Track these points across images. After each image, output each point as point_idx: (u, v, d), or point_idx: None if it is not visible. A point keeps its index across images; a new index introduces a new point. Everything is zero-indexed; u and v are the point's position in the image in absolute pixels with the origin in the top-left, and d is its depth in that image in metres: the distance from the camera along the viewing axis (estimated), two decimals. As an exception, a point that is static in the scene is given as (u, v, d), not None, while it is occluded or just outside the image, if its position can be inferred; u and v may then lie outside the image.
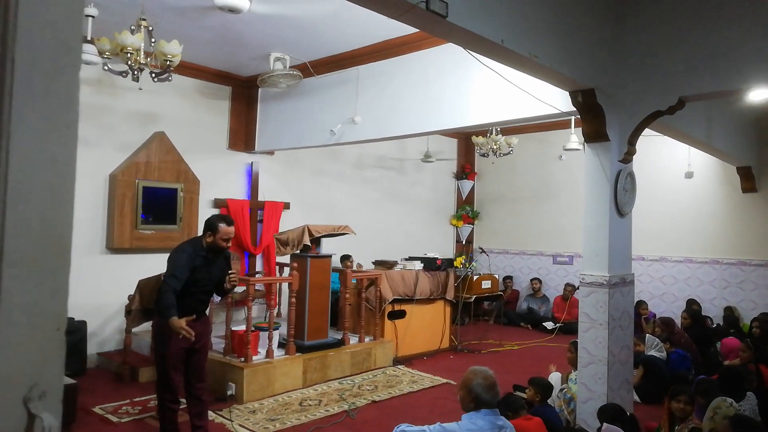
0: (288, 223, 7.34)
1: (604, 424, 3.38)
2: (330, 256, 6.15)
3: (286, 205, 7.92)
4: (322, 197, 8.48)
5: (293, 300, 5.69)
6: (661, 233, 8.58)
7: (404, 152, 9.74)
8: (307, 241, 5.77)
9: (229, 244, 3.98)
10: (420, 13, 2.87)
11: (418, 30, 3.38)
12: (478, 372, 2.82)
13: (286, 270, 6.43)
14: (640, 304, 7.98)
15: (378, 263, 7.16)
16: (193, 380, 4.01)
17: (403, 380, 5.95)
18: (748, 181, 7.89)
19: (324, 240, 6.20)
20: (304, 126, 6.94)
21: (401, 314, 6.85)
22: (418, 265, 7.16)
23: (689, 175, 8.16)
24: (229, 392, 5.09)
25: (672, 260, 8.63)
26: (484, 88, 5.37)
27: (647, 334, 5.95)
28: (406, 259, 7.39)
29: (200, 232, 4.13)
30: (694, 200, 8.44)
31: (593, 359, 4.38)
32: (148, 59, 4.55)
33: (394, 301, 6.76)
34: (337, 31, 5.66)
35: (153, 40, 4.57)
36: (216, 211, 6.95)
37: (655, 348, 5.61)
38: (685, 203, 8.49)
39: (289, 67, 6.27)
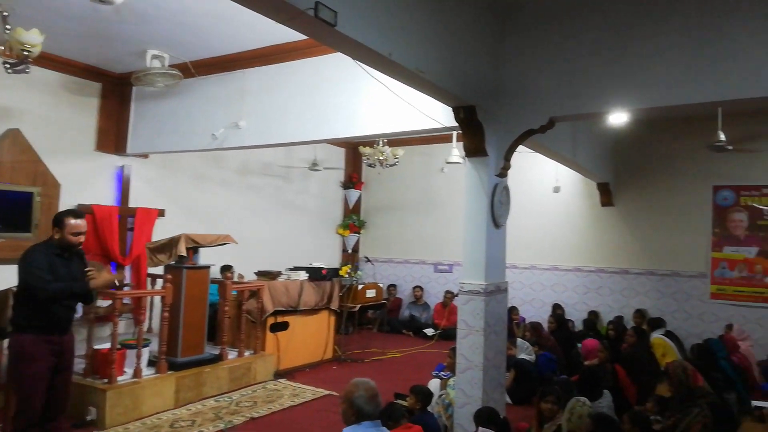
0: (163, 231, 6.86)
1: (480, 428, 3.50)
2: (208, 267, 5.85)
3: (161, 213, 7.42)
4: (202, 204, 8.06)
5: (166, 314, 5.33)
6: (531, 243, 9.20)
7: (291, 160, 9.58)
8: (183, 251, 5.43)
9: (81, 240, 3.72)
10: (308, 20, 2.81)
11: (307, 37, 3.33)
12: (360, 384, 2.79)
13: (159, 282, 6.01)
14: (513, 310, 8.49)
15: (261, 274, 6.94)
16: (53, 410, 3.61)
17: (284, 394, 5.79)
18: (606, 196, 8.71)
19: (203, 250, 5.88)
20: (183, 129, 6.56)
21: (284, 326, 6.68)
22: (303, 276, 7.05)
23: (557, 189, 8.84)
24: (89, 417, 4.63)
25: (540, 268, 9.28)
26: (373, 99, 5.42)
27: (518, 338, 6.31)
28: (290, 270, 7.23)
29: (57, 239, 3.78)
30: (560, 213, 9.15)
31: (470, 365, 4.55)
32: (1, 48, 4.07)
33: (277, 313, 6.58)
34: (222, 32, 5.43)
35: (8, 26, 4.07)
36: (80, 217, 6.32)
37: (525, 351, 5.96)
38: (552, 215, 9.18)
39: (168, 66, 5.90)
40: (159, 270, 6.08)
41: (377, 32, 3.28)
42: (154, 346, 5.48)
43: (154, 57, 5.87)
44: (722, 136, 6.05)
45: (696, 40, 3.95)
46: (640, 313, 8.14)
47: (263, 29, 5.07)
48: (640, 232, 8.54)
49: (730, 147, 6.13)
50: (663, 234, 8.34)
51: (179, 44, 5.68)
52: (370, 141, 8.12)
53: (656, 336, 7.23)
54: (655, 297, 8.34)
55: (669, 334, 7.46)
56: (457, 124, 4.67)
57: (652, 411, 4.44)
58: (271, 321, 6.54)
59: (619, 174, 8.72)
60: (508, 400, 5.55)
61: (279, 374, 6.41)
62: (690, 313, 8.08)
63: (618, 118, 4.48)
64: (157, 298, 5.86)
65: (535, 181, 9.15)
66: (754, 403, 5.60)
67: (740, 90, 3.84)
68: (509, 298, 8.77)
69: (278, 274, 6.93)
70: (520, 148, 4.98)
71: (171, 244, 5.52)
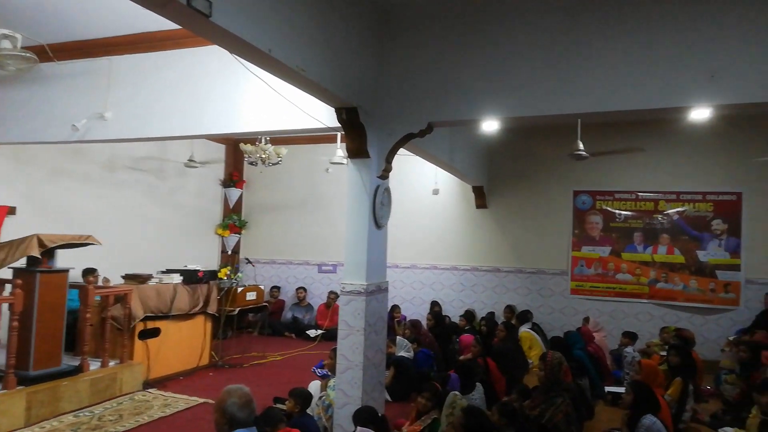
0: (13, 231, 6.15)
1: (358, 427, 3.52)
2: (67, 271, 5.33)
3: (11, 210, 6.64)
4: (61, 202, 7.33)
5: (15, 323, 4.78)
6: (412, 243, 9.48)
7: (165, 155, 9.02)
8: (35, 252, 4.89)
9: None
10: (181, 9, 2.65)
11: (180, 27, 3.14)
12: (232, 391, 2.68)
13: (8, 287, 5.36)
14: (394, 309, 8.70)
15: (129, 277, 6.45)
16: None
17: (153, 405, 5.43)
18: (481, 198, 9.21)
19: (63, 252, 5.35)
20: (38, 118, 5.93)
21: (155, 332, 6.27)
22: (177, 278, 6.66)
23: (436, 192, 9.19)
24: None
25: (420, 267, 9.59)
26: (254, 96, 5.26)
27: (398, 336, 6.46)
28: (163, 272, 6.81)
29: None
30: (439, 214, 9.52)
31: (351, 365, 4.57)
32: None
33: (147, 319, 6.16)
34: (86, 15, 4.98)
35: None
36: None
37: (404, 349, 6.11)
38: (432, 216, 9.53)
39: (21, 48, 5.28)
40: (8, 274, 5.43)
41: (256, 27, 3.18)
42: (2, 359, 4.89)
43: (5, 37, 5.23)
44: (581, 146, 6.63)
45: (560, 56, 4.29)
46: (510, 309, 8.70)
47: (132, 15, 4.72)
48: (510, 233, 9.12)
49: (587, 156, 6.72)
50: (530, 234, 8.99)
51: (35, 24, 5.14)
52: (252, 138, 7.89)
53: (524, 330, 7.75)
54: (524, 293, 8.96)
55: (535, 328, 8.05)
56: (339, 125, 4.67)
57: (515, 401, 4.74)
58: (140, 327, 6.10)
59: (493, 178, 9.26)
60: (388, 397, 5.65)
61: (149, 384, 6.01)
62: (553, 307, 8.78)
63: (490, 125, 4.75)
64: (6, 306, 5.22)
65: (415, 183, 9.43)
66: (607, 388, 6.22)
67: (597, 104, 4.23)
68: (391, 296, 9.04)
69: (149, 277, 6.49)
70: (402, 150, 5.10)
71: (20, 245, 4.95)
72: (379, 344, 4.88)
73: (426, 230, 9.53)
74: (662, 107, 4.09)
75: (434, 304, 9.07)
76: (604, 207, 8.63)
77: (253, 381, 6.32)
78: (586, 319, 7.83)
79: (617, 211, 8.56)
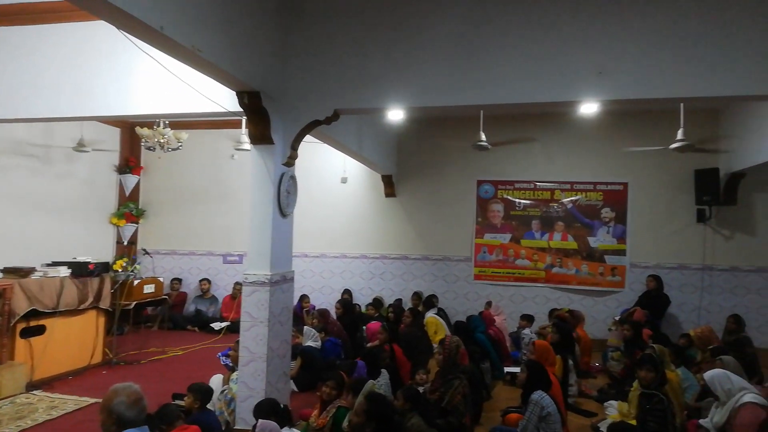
0: None
1: (259, 420, 3.45)
2: (-68, 264, 4.78)
3: None
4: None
5: None
6: (321, 232, 9.41)
7: (51, 138, 8.29)
8: None
9: None
10: (56, -25, 2.42)
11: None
12: (120, 390, 2.52)
13: None
14: (303, 298, 8.61)
15: (8, 271, 5.89)
16: None
17: (38, 408, 5.02)
18: (390, 187, 9.30)
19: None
20: None
21: (39, 330, 5.79)
22: (65, 271, 6.17)
23: (344, 180, 9.16)
24: None
25: (330, 256, 9.55)
26: (149, 76, 4.96)
27: (305, 326, 6.40)
28: (48, 265, 6.27)
29: None
30: (348, 203, 9.51)
31: (254, 357, 4.47)
32: None
33: (30, 315, 5.66)
34: (-52, -23, 4.45)
35: None
36: None
37: (311, 338, 6.06)
38: (341, 205, 9.50)
39: None
40: None
41: (146, 1, 2.97)
42: None
43: None
44: (483, 137, 6.86)
45: (463, 49, 4.39)
46: (417, 295, 8.89)
47: (6, -19, 4.28)
48: (418, 221, 9.30)
49: (489, 146, 6.97)
50: (437, 222, 9.21)
51: None
52: (149, 122, 7.45)
53: (430, 315, 7.95)
54: (430, 280, 9.18)
55: (441, 313, 8.28)
56: (241, 110, 4.52)
57: (422, 381, 4.87)
58: (22, 325, 5.61)
59: (402, 167, 9.37)
60: (295, 388, 5.59)
61: (33, 386, 5.55)
62: (458, 293, 9.07)
63: (396, 114, 4.78)
64: None
65: (324, 171, 9.35)
66: (507, 369, 6.53)
67: (497, 96, 4.38)
68: (300, 286, 8.98)
69: (31, 270, 5.96)
70: (309, 138, 5.03)
71: None
72: (284, 335, 4.81)
73: (335, 219, 9.50)
74: (556, 101, 4.32)
75: (344, 292, 9.07)
76: (505, 196, 9.01)
77: (151, 378, 6.02)
78: (488, 304, 8.17)
79: (517, 200, 8.97)
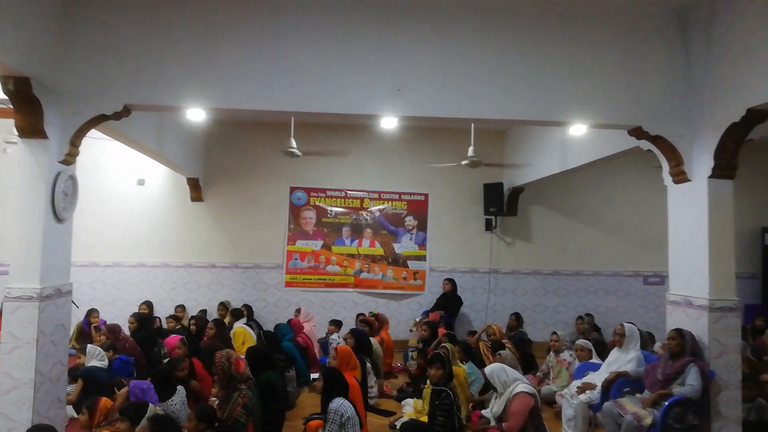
0: None
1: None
2: None
3: None
4: None
5: None
6: (116, 239, 8.55)
7: None
8: None
9: None
10: None
11: None
12: None
13: None
14: (91, 313, 7.69)
15: None
16: None
17: None
18: (196, 191, 8.79)
19: None
20: None
21: None
22: None
23: (141, 182, 8.47)
24: None
25: (126, 265, 8.70)
26: None
27: (89, 345, 5.72)
28: None
29: None
30: (147, 207, 8.77)
31: (17, 383, 3.86)
32: None
33: None
34: None
35: None
36: None
37: (96, 358, 5.43)
38: (139, 209, 8.73)
39: None
40: None
41: None
42: None
43: None
44: (294, 144, 6.84)
45: (268, 54, 4.33)
46: (223, 305, 8.52)
47: None
48: (227, 227, 8.94)
49: (300, 154, 6.96)
50: (248, 229, 8.95)
51: None
52: None
53: (238, 326, 7.66)
54: (240, 288, 8.88)
55: (251, 322, 8.03)
56: (6, 97, 3.88)
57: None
58: None
59: (210, 170, 8.93)
60: (74, 413, 4.94)
61: None
62: (268, 301, 8.91)
63: (197, 115, 4.51)
64: None
65: (116, 171, 8.53)
66: (314, 375, 6.55)
67: (303, 104, 4.38)
68: (88, 299, 8.05)
69: None
70: (97, 134, 4.51)
71: None
72: (59, 356, 4.22)
73: (132, 224, 8.68)
74: (357, 113, 4.46)
75: (144, 304, 8.33)
76: (318, 203, 9.11)
77: None
78: (298, 311, 8.15)
79: (329, 208, 9.12)
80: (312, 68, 4.35)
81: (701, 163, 4.41)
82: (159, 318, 8.22)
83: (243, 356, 6.82)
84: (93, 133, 4.61)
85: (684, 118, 4.54)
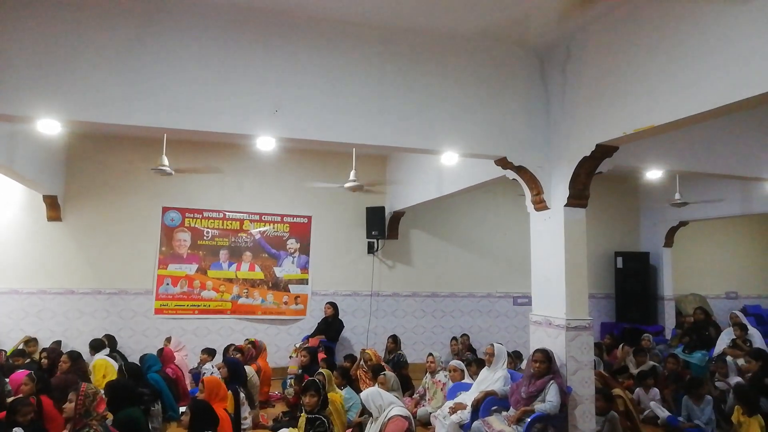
0: None
1: None
2: None
3: None
4: None
5: None
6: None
7: None
8: None
9: None
10: None
11: None
12: None
13: None
14: None
15: None
16: None
17: None
18: (53, 209, 8.00)
19: None
20: None
21: None
22: None
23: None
24: None
25: (-35, 293, 7.67)
26: None
27: None
28: None
29: None
30: (-6, 227, 7.83)
31: None
32: None
33: None
34: None
35: None
36: None
37: None
38: (-15, 230, 7.76)
39: None
40: None
41: None
42: None
43: None
44: (166, 161, 6.47)
45: (135, 65, 4.05)
46: (98, 341, 7.70)
47: None
48: (90, 250, 8.21)
49: (172, 172, 6.60)
50: (114, 252, 8.28)
51: None
52: None
53: (99, 357, 7.00)
54: (102, 317, 8.15)
55: (115, 353, 7.36)
56: None
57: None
58: None
59: (71, 187, 8.19)
60: None
61: None
62: (135, 329, 8.26)
63: (50, 127, 4.10)
64: None
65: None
66: (182, 409, 6.12)
67: (174, 120, 4.12)
68: None
69: None
70: None
71: None
72: None
73: (-26, 246, 7.71)
74: (232, 132, 4.30)
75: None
76: (193, 225, 8.67)
77: None
78: (168, 339, 7.63)
79: (205, 229, 8.72)
80: (182, 82, 4.13)
81: (558, 192, 4.79)
82: (4, 351, 7.29)
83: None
84: None
85: (543, 151, 4.92)
